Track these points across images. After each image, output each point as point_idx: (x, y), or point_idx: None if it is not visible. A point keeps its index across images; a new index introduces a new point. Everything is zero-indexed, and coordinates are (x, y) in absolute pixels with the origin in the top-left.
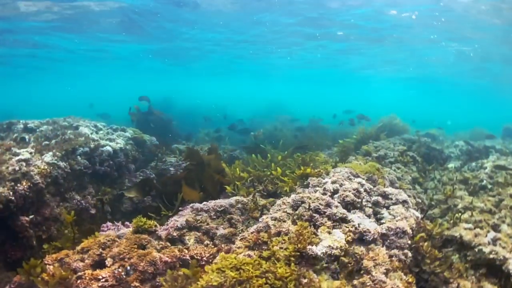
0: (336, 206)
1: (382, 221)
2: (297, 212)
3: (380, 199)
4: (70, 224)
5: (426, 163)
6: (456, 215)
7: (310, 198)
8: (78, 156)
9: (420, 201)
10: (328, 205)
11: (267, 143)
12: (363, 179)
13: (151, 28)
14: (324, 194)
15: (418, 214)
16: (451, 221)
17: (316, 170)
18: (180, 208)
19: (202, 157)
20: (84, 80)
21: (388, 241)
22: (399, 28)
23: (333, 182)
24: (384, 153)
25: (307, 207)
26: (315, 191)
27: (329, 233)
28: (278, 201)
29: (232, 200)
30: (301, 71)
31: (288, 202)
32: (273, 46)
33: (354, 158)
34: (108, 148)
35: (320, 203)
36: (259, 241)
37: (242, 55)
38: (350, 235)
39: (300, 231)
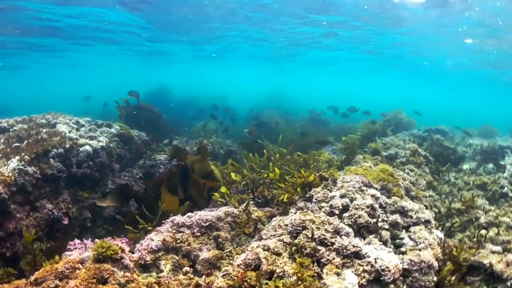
0: (347, 234)
1: (402, 248)
2: (296, 241)
3: (398, 218)
4: (30, 244)
5: (439, 163)
6: (481, 232)
7: (314, 222)
8: (51, 159)
9: (436, 210)
10: (336, 231)
11: (265, 138)
12: (377, 189)
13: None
14: (331, 213)
15: (441, 234)
16: (474, 239)
17: (320, 174)
18: (162, 222)
19: (187, 158)
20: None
21: (411, 278)
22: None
23: (342, 196)
24: (395, 152)
25: (310, 236)
26: (320, 208)
27: (338, 274)
28: (274, 221)
29: (221, 212)
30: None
31: (286, 226)
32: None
33: (362, 157)
34: (87, 148)
35: (326, 230)
36: (245, 284)
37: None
38: (364, 277)
39: (300, 274)
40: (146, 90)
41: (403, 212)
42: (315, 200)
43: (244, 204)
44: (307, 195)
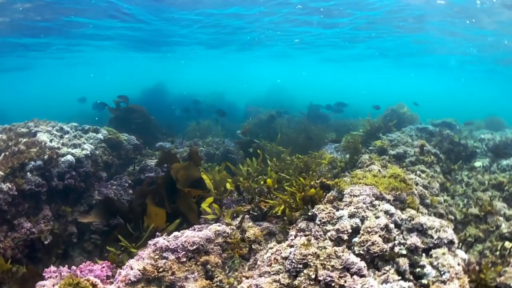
0: (359, 271)
1: (423, 280)
2: (296, 283)
3: (417, 240)
4: (6, 274)
5: (450, 160)
6: (505, 244)
7: (318, 257)
8: (28, 173)
9: (452, 217)
10: (346, 268)
11: (262, 137)
12: (390, 200)
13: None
14: (338, 239)
15: (465, 255)
16: (496, 252)
17: (320, 180)
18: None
19: (173, 166)
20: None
21: None
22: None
23: (351, 216)
24: (403, 150)
25: (313, 278)
26: (325, 232)
27: None
28: (269, 251)
29: (210, 231)
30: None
31: (284, 260)
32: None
33: (368, 157)
34: (69, 157)
35: (333, 267)
36: None
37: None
38: None
39: None
40: (142, 88)
41: (421, 231)
42: (318, 222)
43: (238, 220)
44: (309, 213)
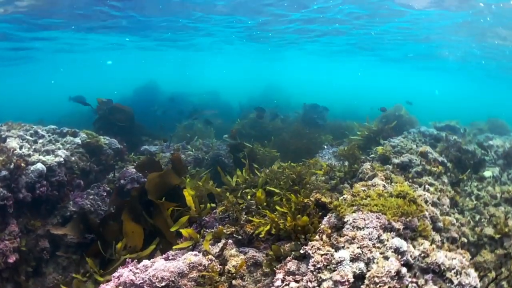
0: None
1: None
2: None
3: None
4: None
5: (458, 169)
6: None
7: None
8: None
9: (465, 240)
10: None
11: (255, 137)
12: (399, 230)
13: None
14: None
15: None
16: None
17: (315, 197)
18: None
19: (149, 176)
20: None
21: None
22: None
23: (354, 259)
24: (409, 159)
25: None
26: (319, 283)
27: None
28: None
29: (184, 263)
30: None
31: None
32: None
33: (370, 167)
34: (39, 166)
35: None
36: None
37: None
38: None
39: None
40: (133, 87)
41: (438, 272)
42: (312, 267)
43: (220, 245)
44: (301, 250)
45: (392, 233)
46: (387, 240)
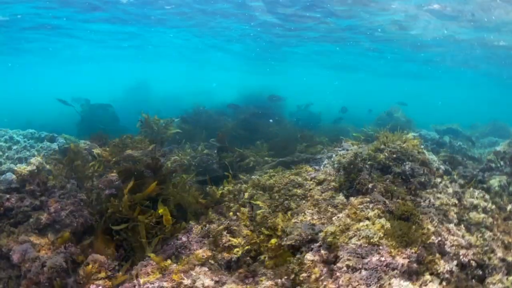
0: None
1: None
2: None
3: None
4: None
5: (462, 178)
6: None
7: None
8: None
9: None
10: None
11: (246, 139)
12: (403, 265)
13: None
14: None
15: None
16: None
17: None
18: None
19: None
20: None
21: None
22: None
23: None
24: (410, 168)
25: None
26: None
27: None
28: None
29: None
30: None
31: None
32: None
33: (368, 178)
34: (9, 175)
35: None
36: None
37: None
38: None
39: None
40: (124, 88)
41: None
42: None
43: (193, 277)
44: None
45: (395, 271)
46: (389, 285)
